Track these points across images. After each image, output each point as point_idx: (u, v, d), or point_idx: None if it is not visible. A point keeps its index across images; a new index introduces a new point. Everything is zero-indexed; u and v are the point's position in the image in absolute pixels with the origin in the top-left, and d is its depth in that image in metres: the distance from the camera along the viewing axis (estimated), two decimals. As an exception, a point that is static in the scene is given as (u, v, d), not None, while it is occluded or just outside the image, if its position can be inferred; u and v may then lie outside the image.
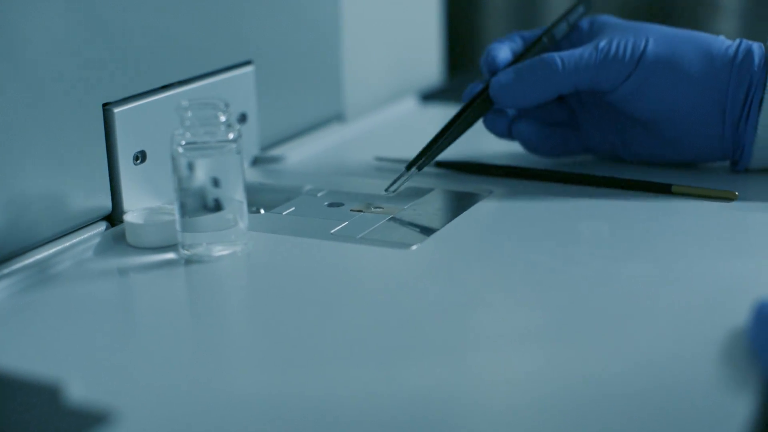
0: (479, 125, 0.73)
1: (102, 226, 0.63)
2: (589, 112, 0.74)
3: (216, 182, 0.58)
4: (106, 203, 0.63)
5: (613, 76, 0.68)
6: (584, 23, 0.74)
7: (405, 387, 0.45)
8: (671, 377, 0.45)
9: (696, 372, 0.46)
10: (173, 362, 0.49)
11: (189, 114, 0.57)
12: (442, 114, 0.91)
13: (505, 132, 0.73)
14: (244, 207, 0.59)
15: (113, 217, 0.64)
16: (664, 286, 0.55)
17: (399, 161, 0.74)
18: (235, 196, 0.58)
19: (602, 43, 0.69)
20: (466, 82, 0.75)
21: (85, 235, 0.61)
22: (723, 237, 0.61)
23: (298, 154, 0.79)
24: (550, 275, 0.56)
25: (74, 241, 0.61)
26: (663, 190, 0.67)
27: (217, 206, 0.58)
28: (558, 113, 0.74)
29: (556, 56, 0.69)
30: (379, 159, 0.76)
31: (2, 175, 0.57)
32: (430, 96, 0.98)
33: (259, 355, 0.50)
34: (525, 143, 0.73)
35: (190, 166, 0.57)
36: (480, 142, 0.75)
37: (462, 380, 0.46)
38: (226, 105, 0.58)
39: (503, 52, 0.72)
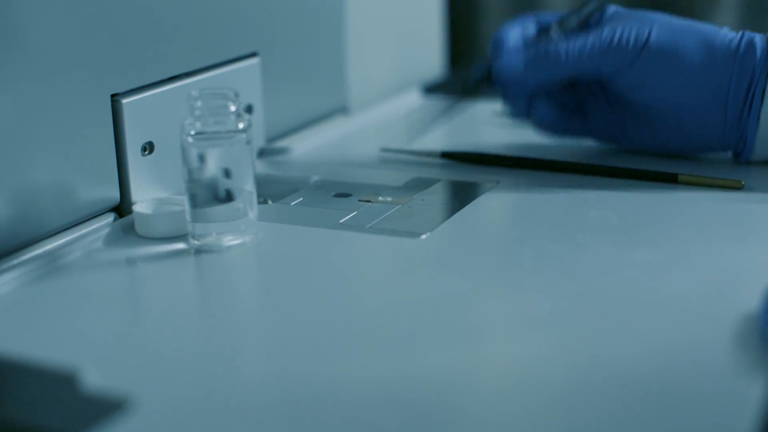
0: (483, 116, 0.73)
1: (110, 217, 0.63)
2: (595, 98, 0.74)
3: (227, 173, 0.58)
4: (114, 194, 0.63)
5: (616, 63, 0.69)
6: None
7: (416, 374, 0.45)
8: (681, 362, 0.46)
9: (706, 357, 0.46)
10: (186, 350, 0.49)
11: (199, 104, 0.57)
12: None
13: (523, 111, 0.73)
14: (254, 197, 0.59)
15: (121, 208, 0.64)
16: (672, 273, 0.55)
17: (405, 152, 0.74)
18: (245, 186, 0.59)
19: (606, 31, 0.69)
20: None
21: (94, 226, 0.61)
22: (730, 225, 0.62)
23: (303, 146, 0.79)
24: (558, 263, 0.57)
25: (83, 231, 0.61)
26: (669, 179, 0.67)
27: (228, 197, 0.58)
28: (570, 96, 0.75)
29: (560, 44, 0.69)
30: (385, 150, 0.77)
31: (11, 165, 0.57)
32: (432, 89, 0.98)
33: (270, 342, 0.50)
34: (540, 123, 0.73)
35: (201, 156, 0.58)
36: (482, 134, 0.76)
37: (473, 367, 0.46)
38: (236, 95, 0.58)
39: (512, 36, 0.72)
